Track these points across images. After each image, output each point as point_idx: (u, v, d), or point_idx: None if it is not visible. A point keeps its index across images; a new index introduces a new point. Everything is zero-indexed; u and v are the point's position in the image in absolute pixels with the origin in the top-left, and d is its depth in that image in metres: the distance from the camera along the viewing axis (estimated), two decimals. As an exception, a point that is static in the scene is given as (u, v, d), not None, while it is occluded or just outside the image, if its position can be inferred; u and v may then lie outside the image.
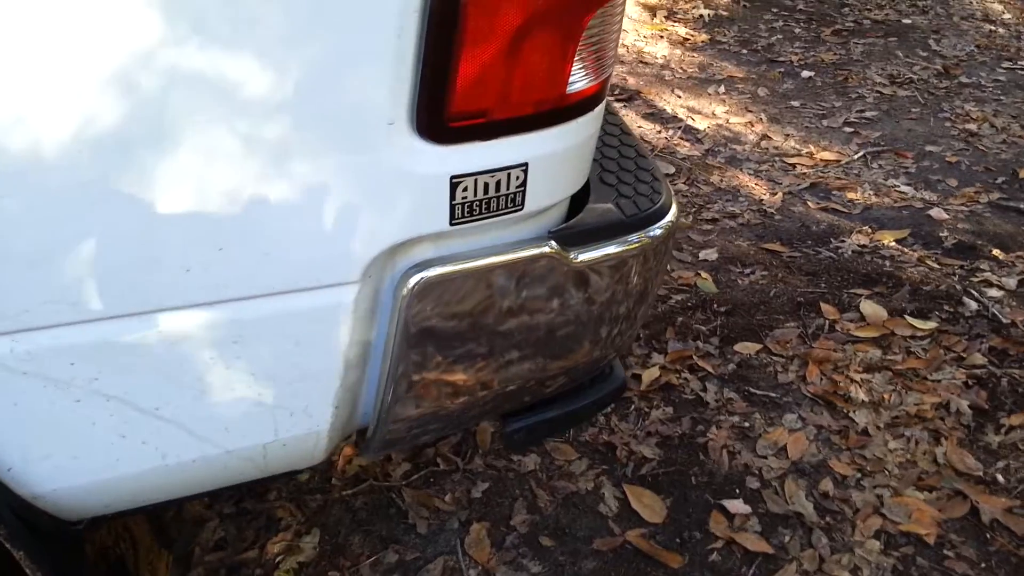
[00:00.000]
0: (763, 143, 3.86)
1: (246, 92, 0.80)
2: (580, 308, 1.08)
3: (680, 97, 4.32)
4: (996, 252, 2.96)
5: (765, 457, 2.12)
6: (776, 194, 3.38)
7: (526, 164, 0.95)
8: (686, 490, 2.01)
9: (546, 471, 2.05)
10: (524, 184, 0.96)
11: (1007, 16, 5.73)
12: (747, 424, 2.21)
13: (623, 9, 0.99)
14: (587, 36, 0.92)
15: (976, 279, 2.80)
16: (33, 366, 0.86)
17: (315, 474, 2.03)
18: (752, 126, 4.03)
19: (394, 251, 0.97)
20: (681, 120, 4.05)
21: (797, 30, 5.40)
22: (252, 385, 0.98)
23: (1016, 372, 2.36)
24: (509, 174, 0.94)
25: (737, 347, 2.49)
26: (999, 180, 3.52)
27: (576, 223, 1.08)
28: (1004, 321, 2.56)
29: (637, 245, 1.08)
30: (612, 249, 1.07)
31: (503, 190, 0.95)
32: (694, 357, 2.44)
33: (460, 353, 1.04)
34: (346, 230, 0.91)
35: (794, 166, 3.65)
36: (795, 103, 4.32)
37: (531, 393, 1.18)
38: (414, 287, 0.95)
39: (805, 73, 4.69)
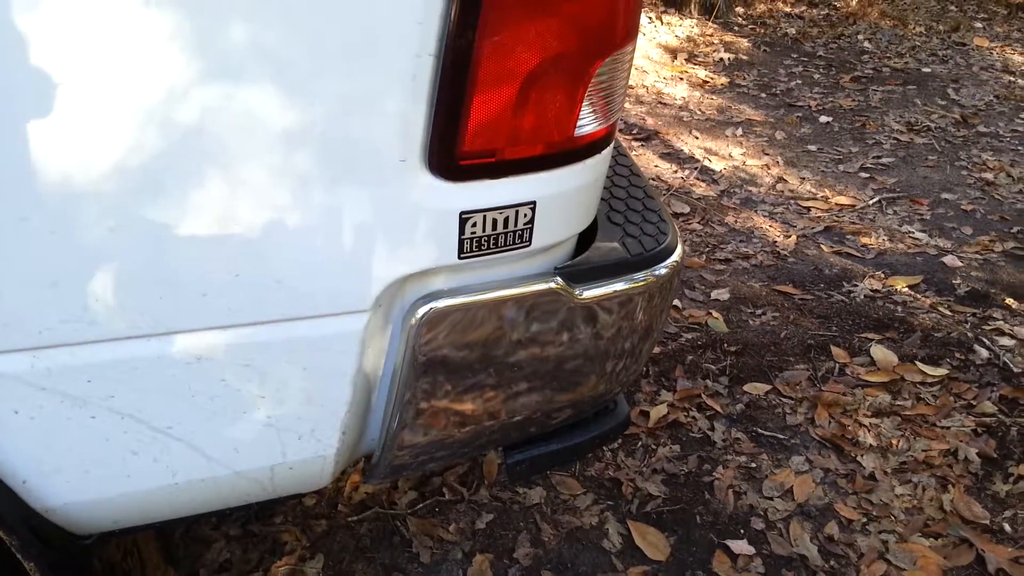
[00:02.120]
0: (779, 186, 3.89)
1: (267, 127, 0.84)
2: (585, 343, 1.11)
3: (698, 138, 4.36)
4: (1009, 301, 2.95)
5: (771, 498, 2.12)
6: (790, 236, 3.40)
7: (534, 202, 0.98)
8: (690, 529, 2.02)
9: (551, 505, 2.06)
10: (532, 221, 0.99)
11: (1027, 67, 5.76)
12: (754, 465, 2.22)
13: (632, 57, 1.03)
14: (596, 82, 0.95)
15: (988, 327, 2.80)
16: (51, 382, 0.89)
17: (321, 499, 2.05)
18: (768, 169, 4.06)
19: (404, 282, 1.00)
20: (698, 161, 4.09)
21: (816, 76, 5.45)
22: (262, 408, 1.01)
23: (1026, 422, 2.35)
24: (517, 211, 0.97)
25: (746, 387, 2.50)
26: (1014, 229, 3.53)
27: (582, 260, 1.11)
28: (1015, 370, 2.56)
29: (642, 283, 1.11)
30: (617, 287, 1.10)
31: (511, 227, 0.98)
32: (703, 396, 2.45)
33: (466, 383, 1.07)
34: (358, 261, 0.94)
35: (809, 209, 3.68)
36: (812, 147, 4.35)
37: (536, 424, 1.20)
38: (423, 317, 0.99)
39: (823, 118, 4.72)
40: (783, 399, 2.47)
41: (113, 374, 0.92)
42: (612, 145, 1.09)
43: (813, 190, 3.87)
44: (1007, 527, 2.03)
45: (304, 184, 0.88)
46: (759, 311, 2.88)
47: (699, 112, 4.74)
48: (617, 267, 1.11)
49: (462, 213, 0.94)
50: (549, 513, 2.04)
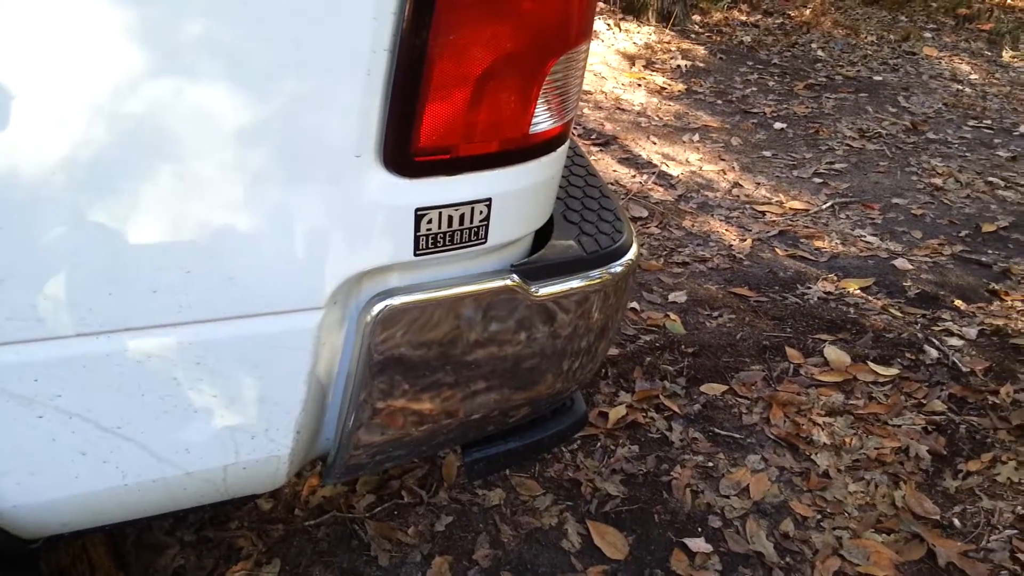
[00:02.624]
0: (735, 191, 3.94)
1: (219, 121, 0.83)
2: (541, 341, 1.11)
3: (655, 144, 4.41)
4: (958, 303, 3.03)
5: (728, 497, 2.14)
6: (746, 240, 3.45)
7: (490, 199, 0.98)
8: (649, 528, 2.03)
9: (510, 506, 2.06)
10: (487, 218, 0.99)
11: (974, 76, 5.91)
12: (711, 464, 2.24)
13: (586, 55, 1.04)
14: (551, 80, 0.96)
15: (938, 328, 2.86)
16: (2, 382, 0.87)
17: (278, 504, 2.03)
18: (725, 174, 4.11)
19: (359, 279, 0.99)
20: (656, 166, 4.13)
21: (771, 83, 5.54)
22: (214, 407, 0.99)
23: (974, 419, 2.41)
24: (473, 208, 0.97)
25: (703, 388, 2.52)
26: (962, 233, 3.62)
27: (538, 258, 1.12)
28: (964, 370, 2.62)
29: (597, 281, 1.12)
30: (573, 284, 1.10)
31: (467, 223, 0.98)
32: (661, 397, 2.47)
33: (421, 381, 1.07)
34: (312, 257, 0.94)
35: (764, 214, 3.73)
36: (767, 153, 4.42)
37: (494, 423, 1.20)
38: (378, 315, 0.98)
39: (778, 125, 4.80)
40: (739, 399, 2.50)
41: (61, 373, 0.90)
42: (567, 143, 1.10)
43: (768, 195, 3.93)
44: (957, 522, 2.08)
45: (257, 180, 0.87)
46: (716, 313, 2.91)
47: (656, 118, 4.79)
48: (573, 264, 1.12)
49: (417, 210, 0.94)
50: (508, 514, 2.04)
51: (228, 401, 0.99)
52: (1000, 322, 2.91)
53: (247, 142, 0.85)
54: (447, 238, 0.98)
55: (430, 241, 0.97)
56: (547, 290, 1.09)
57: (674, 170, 4.11)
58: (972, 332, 2.84)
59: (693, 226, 3.55)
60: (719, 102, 5.13)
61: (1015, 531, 2.05)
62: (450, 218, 0.96)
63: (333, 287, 0.96)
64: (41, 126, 0.79)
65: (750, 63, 5.87)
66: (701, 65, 5.74)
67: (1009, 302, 3.06)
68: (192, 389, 0.96)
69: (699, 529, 2.04)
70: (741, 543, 2.00)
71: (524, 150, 0.99)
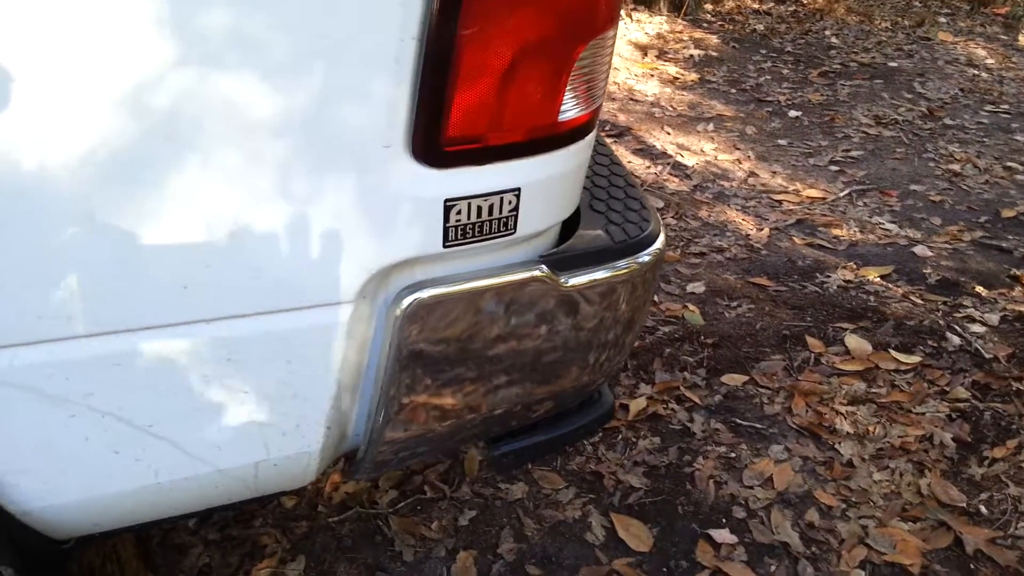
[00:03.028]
0: (751, 180, 3.91)
1: (248, 113, 0.83)
2: (569, 333, 1.11)
3: (670, 134, 4.38)
4: (979, 289, 3.00)
5: (751, 487, 2.13)
6: (763, 230, 3.43)
7: (518, 189, 0.97)
8: (673, 519, 2.02)
9: (533, 499, 2.06)
10: (516, 209, 0.98)
11: (990, 61, 5.85)
12: (733, 455, 2.23)
13: (613, 42, 1.03)
14: (578, 67, 0.95)
15: (959, 315, 2.84)
16: (29, 380, 0.87)
17: (301, 500, 2.03)
18: (740, 163, 4.09)
19: (388, 272, 0.99)
20: (670, 156, 4.11)
21: (785, 71, 5.50)
22: (245, 403, 0.99)
23: (998, 406, 2.39)
24: (502, 198, 0.96)
25: (724, 378, 2.51)
26: (982, 219, 3.58)
27: (566, 248, 1.11)
28: (987, 356, 2.59)
29: (625, 271, 1.10)
30: (601, 274, 1.09)
31: (496, 214, 0.97)
32: (681, 388, 2.45)
33: (451, 375, 1.06)
34: (341, 250, 0.93)
35: (781, 203, 3.71)
36: (782, 141, 4.39)
37: (520, 416, 1.19)
38: (407, 308, 0.97)
39: (792, 113, 4.77)
40: (760, 389, 2.49)
41: (93, 371, 0.89)
42: (595, 132, 1.09)
43: (784, 183, 3.90)
44: (983, 509, 2.06)
45: (286, 172, 0.87)
46: (734, 303, 2.90)
47: (670, 108, 4.76)
48: (601, 254, 1.10)
49: (447, 201, 0.93)
50: (532, 508, 2.03)
51: (259, 397, 0.99)
52: (1023, 308, 2.88)
53: (274, 135, 0.84)
54: (476, 229, 0.97)
55: (459, 232, 0.96)
56: (577, 280, 1.08)
57: (689, 160, 4.08)
58: (994, 318, 2.81)
59: (710, 216, 3.53)
60: (733, 91, 5.10)
61: (1044, 518, 2.03)
62: (479, 209, 0.95)
63: (362, 281, 0.96)
64: (66, 121, 0.78)
65: (763, 51, 5.83)
66: (714, 54, 5.70)
67: (1031, 288, 3.03)
68: (223, 386, 0.96)
69: (723, 520, 2.03)
70: (766, 533, 1.99)
71: (553, 138, 0.98)
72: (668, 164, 4.01)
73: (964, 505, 2.06)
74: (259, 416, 1.00)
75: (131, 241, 0.85)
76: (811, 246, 3.32)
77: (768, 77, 5.36)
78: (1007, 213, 3.63)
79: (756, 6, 6.79)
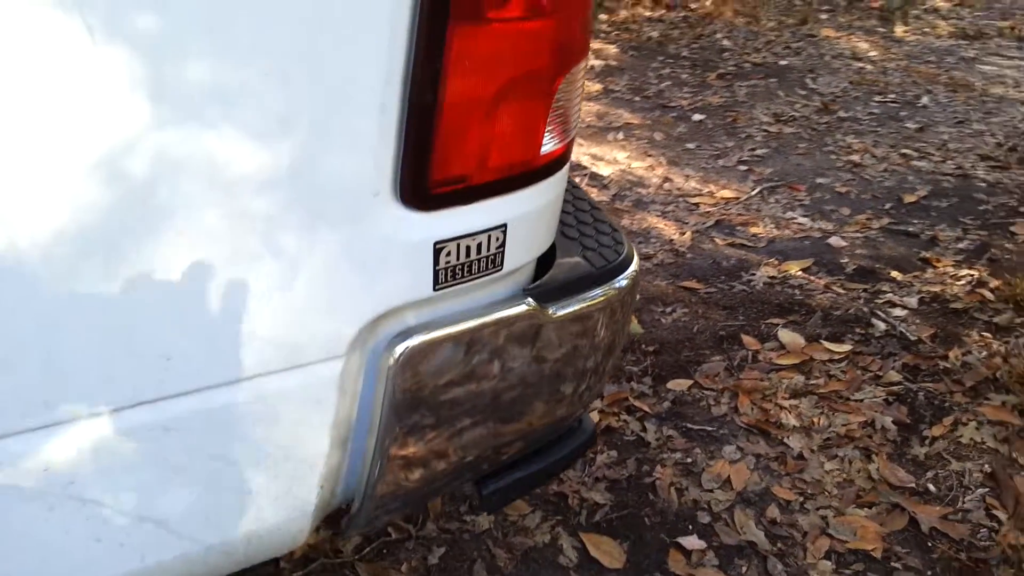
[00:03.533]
0: (666, 185, 4.00)
1: (232, 170, 0.78)
2: (561, 363, 1.09)
3: (582, 145, 4.44)
4: (894, 274, 3.13)
5: (711, 491, 2.16)
6: (685, 233, 3.50)
7: (504, 225, 0.95)
8: (641, 531, 2.03)
9: (501, 528, 2.03)
10: (503, 244, 0.97)
11: (873, 53, 6.16)
12: (689, 460, 2.25)
13: (585, 71, 1.02)
14: (557, 99, 0.94)
15: (880, 301, 2.96)
16: (5, 477, 0.80)
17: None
18: (653, 169, 4.17)
19: (376, 322, 0.95)
20: (586, 168, 4.16)
21: (684, 76, 5.65)
22: (236, 473, 0.93)
23: (930, 386, 2.49)
24: (489, 236, 0.94)
25: (669, 384, 2.54)
26: (887, 206, 3.75)
27: (549, 280, 1.09)
28: (912, 339, 2.71)
29: (613, 293, 1.10)
30: (587, 301, 1.08)
31: (484, 252, 0.95)
32: (630, 398, 2.47)
33: (448, 420, 1.03)
34: (332, 304, 0.89)
35: (697, 205, 3.79)
36: (690, 145, 4.50)
37: (513, 453, 1.17)
38: (401, 356, 0.94)
39: (696, 116, 4.90)
40: (705, 391, 2.53)
41: (72, 457, 0.83)
42: (569, 162, 1.08)
43: (698, 186, 4.00)
44: (931, 487, 2.15)
45: (273, 230, 0.82)
46: (669, 309, 2.94)
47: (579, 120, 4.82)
48: (584, 281, 1.10)
49: (436, 243, 0.91)
50: (501, 537, 2.00)
51: (250, 465, 0.93)
52: (937, 288, 3.02)
53: (261, 190, 0.80)
54: (465, 269, 0.95)
55: (449, 274, 0.94)
56: (564, 311, 1.06)
57: (604, 170, 4.14)
58: (913, 301, 2.94)
59: (632, 224, 3.58)
60: (637, 99, 5.20)
61: (986, 489, 2.13)
62: (468, 248, 0.93)
63: (354, 333, 0.92)
64: (45, 191, 0.72)
65: (661, 58, 5.98)
66: (614, 63, 5.81)
67: (941, 268, 3.18)
68: (213, 457, 0.90)
69: (690, 527, 2.05)
70: (732, 535, 2.01)
71: (535, 171, 0.97)
72: (585, 175, 4.05)
73: (913, 485, 2.14)
74: (251, 484, 0.95)
75: (108, 314, 0.79)
76: (732, 246, 3.40)
77: (669, 83, 5.50)
78: (909, 198, 3.81)
79: (648, 14, 6.97)
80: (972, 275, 3.10)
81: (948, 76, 5.68)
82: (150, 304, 0.80)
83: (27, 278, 0.74)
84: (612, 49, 6.07)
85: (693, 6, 6.95)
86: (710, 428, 2.37)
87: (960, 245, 3.38)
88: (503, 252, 0.97)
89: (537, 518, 2.05)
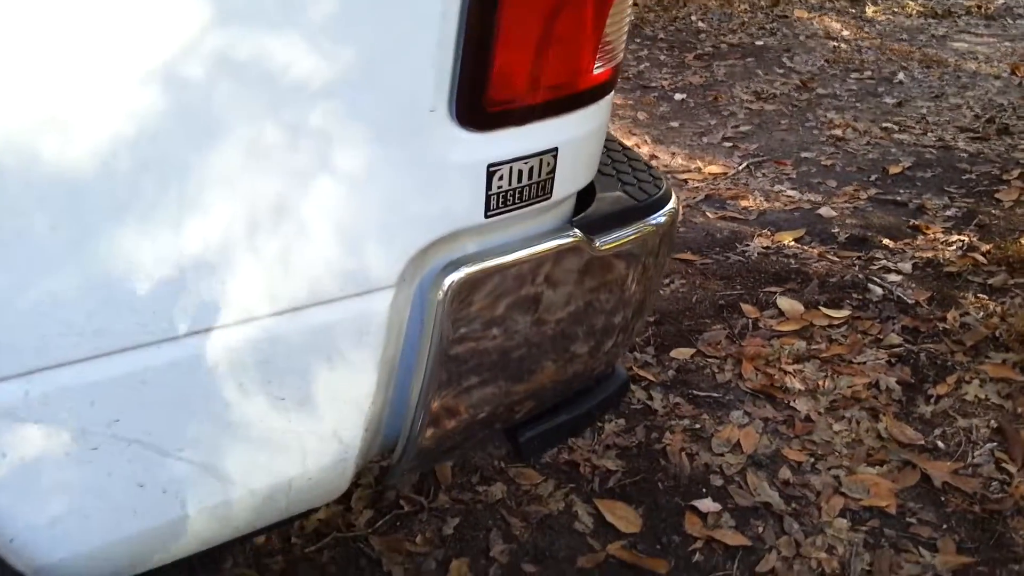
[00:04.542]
0: (653, 162, 3.98)
1: (286, 84, 0.74)
2: (607, 297, 1.06)
3: (566, 125, 4.41)
4: (886, 241, 3.15)
5: (722, 455, 2.14)
6: (676, 207, 3.49)
7: (556, 149, 0.92)
8: (655, 496, 2.01)
9: (514, 498, 2.00)
10: (553, 171, 0.93)
11: (846, 33, 6.21)
12: (698, 425, 2.24)
13: (632, -6, 1.00)
14: (609, 17, 0.91)
15: (875, 267, 2.97)
16: (48, 412, 0.75)
17: (272, 534, 1.89)
18: (639, 148, 4.15)
19: (426, 251, 0.91)
20: (572, 146, 4.13)
21: (662, 57, 5.65)
22: (282, 411, 0.89)
23: (931, 346, 2.50)
24: (541, 160, 0.91)
25: (673, 353, 2.53)
26: (872, 177, 3.77)
27: (593, 211, 1.06)
28: (909, 302, 2.72)
29: (653, 228, 1.07)
30: (631, 233, 1.06)
31: (535, 177, 0.92)
32: (634, 368, 2.45)
33: (497, 357, 0.99)
34: (384, 229, 0.85)
35: (686, 181, 3.79)
36: (674, 124, 4.49)
37: (557, 394, 1.14)
38: (451, 287, 0.90)
39: (678, 96, 4.90)
40: (709, 359, 2.52)
41: (119, 393, 0.78)
42: (615, 89, 1.05)
43: (685, 163, 4.00)
44: (940, 444, 2.15)
45: (324, 144, 0.78)
46: (667, 280, 2.93)
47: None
48: (628, 214, 1.07)
49: (490, 166, 0.87)
50: (515, 506, 1.97)
51: (296, 403, 0.89)
52: (929, 254, 3.04)
53: (314, 103, 0.76)
54: (517, 195, 0.91)
55: (500, 200, 0.90)
56: (609, 242, 1.03)
57: (590, 149, 4.12)
58: (907, 266, 2.96)
59: (623, 200, 3.56)
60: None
61: (994, 443, 2.14)
62: (520, 172, 0.90)
63: (405, 261, 0.88)
64: (101, 101, 0.68)
65: (638, 40, 5.97)
66: (591, 47, 5.79)
67: (931, 235, 3.21)
68: (259, 394, 0.86)
69: (703, 490, 2.04)
70: (746, 496, 2.01)
71: (585, 94, 0.93)
72: (572, 154, 4.02)
73: (922, 443, 2.15)
74: (296, 424, 0.91)
75: (158, 234, 0.75)
76: (724, 219, 3.40)
77: (647, 64, 5.49)
78: (894, 169, 3.84)
79: (621, -1, 6.95)
80: (963, 240, 3.12)
81: (921, 53, 5.73)
82: (199, 223, 0.76)
83: (68, 196, 0.70)
84: (589, 33, 6.05)
85: (667, -11, 6.96)
86: (716, 394, 2.36)
87: (948, 212, 3.40)
88: (553, 179, 0.94)
89: (550, 486, 2.03)
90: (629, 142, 4.18)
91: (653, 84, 5.10)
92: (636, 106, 4.72)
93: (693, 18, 6.45)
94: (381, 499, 1.99)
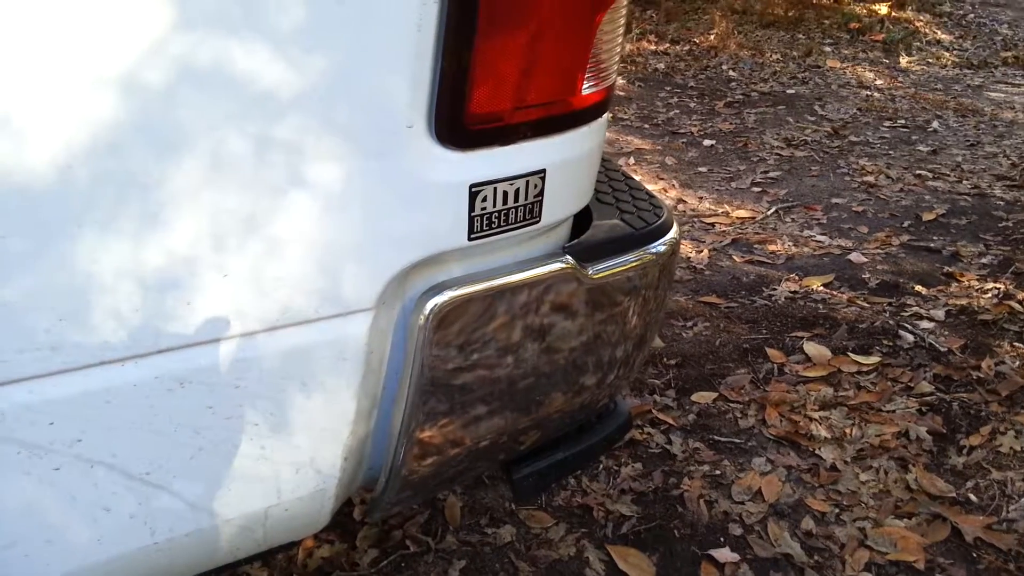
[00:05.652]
0: (680, 206, 3.95)
1: (256, 94, 0.73)
2: (602, 328, 1.02)
3: (593, 169, 4.40)
4: (918, 288, 3.07)
5: (742, 503, 2.06)
6: (702, 251, 3.44)
7: (543, 171, 0.90)
8: (671, 544, 1.93)
9: (523, 541, 1.94)
10: (541, 193, 0.90)
11: (879, 82, 6.17)
12: (718, 472, 2.17)
13: (626, 11, 0.98)
14: (599, 35, 0.89)
15: (906, 313, 2.88)
16: (5, 428, 0.73)
17: (273, 571, 1.85)
18: (667, 192, 4.13)
19: (407, 274, 0.89)
20: (598, 190, 4.12)
21: (692, 104, 5.65)
22: (254, 437, 0.86)
23: (964, 396, 2.41)
24: (527, 182, 0.88)
25: (694, 397, 2.46)
26: (905, 224, 3.70)
27: (587, 238, 1.03)
28: (942, 350, 2.63)
29: (651, 257, 1.04)
30: (627, 263, 1.02)
31: (522, 200, 0.89)
32: (653, 411, 2.39)
33: (485, 390, 0.96)
34: (360, 248, 0.83)
35: (713, 225, 3.74)
36: (702, 169, 4.47)
37: (551, 431, 1.10)
38: (433, 312, 0.87)
39: (707, 142, 4.88)
40: (731, 404, 2.45)
41: (82, 412, 0.76)
42: (608, 111, 1.03)
43: (713, 207, 3.95)
44: (972, 497, 2.05)
45: (298, 159, 0.76)
46: (690, 323, 2.87)
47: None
48: (623, 242, 1.03)
49: (472, 186, 0.85)
50: (524, 550, 1.91)
51: (270, 429, 0.86)
52: (963, 302, 2.95)
53: (288, 117, 0.74)
54: (502, 217, 0.88)
55: (485, 222, 0.87)
56: (603, 271, 1.00)
57: (617, 193, 4.10)
58: (940, 314, 2.87)
59: (648, 243, 3.53)
60: (646, 126, 5.19)
61: (1031, 498, 2.03)
62: (505, 194, 0.87)
63: (383, 282, 0.85)
64: (43, 124, 0.67)
65: (668, 88, 5.99)
66: (621, 94, 5.81)
67: (966, 282, 3.12)
68: (230, 418, 0.83)
69: (721, 539, 1.96)
70: (767, 547, 1.92)
71: (575, 114, 0.91)
72: (598, 198, 4.01)
73: (953, 495, 2.05)
74: (270, 451, 0.88)
75: (122, 250, 0.73)
76: (751, 263, 3.34)
77: (677, 111, 5.49)
78: (927, 216, 3.76)
79: (653, 48, 7.00)
80: (999, 288, 3.03)
81: (956, 102, 5.66)
82: (165, 239, 0.74)
83: (34, 205, 0.68)
84: (619, 80, 6.08)
85: (697, 40, 6.99)
86: (738, 440, 2.29)
87: (983, 260, 3.31)
88: (541, 202, 0.91)
89: (561, 530, 1.96)
90: (656, 187, 4.16)
91: (682, 130, 5.09)
92: (664, 151, 4.71)
93: (724, 67, 6.46)
94: (387, 538, 1.94)
